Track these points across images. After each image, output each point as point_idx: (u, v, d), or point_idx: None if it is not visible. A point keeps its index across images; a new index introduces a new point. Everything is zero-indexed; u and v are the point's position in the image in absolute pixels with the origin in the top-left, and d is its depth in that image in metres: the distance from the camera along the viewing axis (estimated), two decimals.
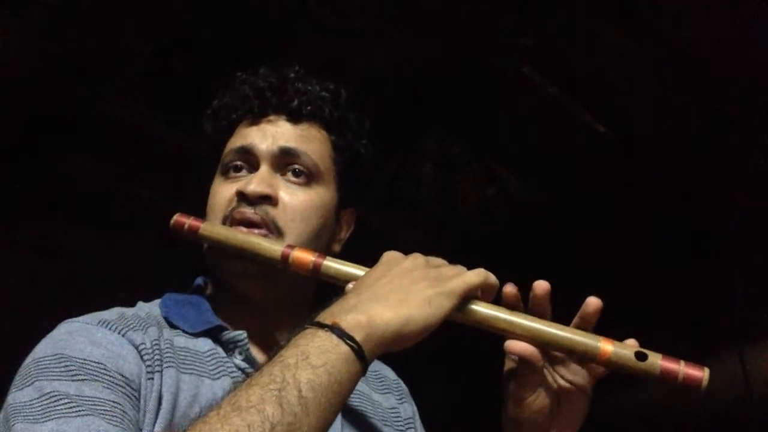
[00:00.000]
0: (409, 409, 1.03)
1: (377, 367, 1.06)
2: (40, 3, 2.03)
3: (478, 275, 0.78)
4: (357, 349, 0.67)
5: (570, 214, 2.66)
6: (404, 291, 0.73)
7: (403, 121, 2.44)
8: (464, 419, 2.32)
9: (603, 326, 0.79)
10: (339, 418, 0.89)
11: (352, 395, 0.94)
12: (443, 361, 2.75)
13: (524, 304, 0.83)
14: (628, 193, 2.52)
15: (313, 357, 0.64)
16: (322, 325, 0.68)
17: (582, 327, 0.79)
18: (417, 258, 0.79)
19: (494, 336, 0.79)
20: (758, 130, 2.19)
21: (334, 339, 0.66)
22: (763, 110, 2.12)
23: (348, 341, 0.66)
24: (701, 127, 2.25)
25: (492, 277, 0.79)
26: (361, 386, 0.98)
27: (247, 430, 0.58)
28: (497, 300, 0.81)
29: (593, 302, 0.78)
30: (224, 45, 2.14)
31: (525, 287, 0.86)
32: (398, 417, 0.99)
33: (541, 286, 0.79)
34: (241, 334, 0.87)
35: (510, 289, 0.79)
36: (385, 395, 1.01)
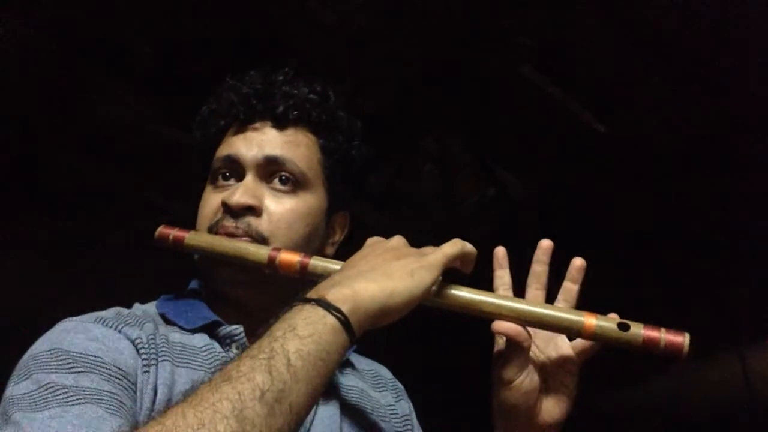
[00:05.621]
0: (405, 406, 1.04)
1: (373, 366, 1.07)
2: (40, 3, 2.03)
3: (454, 245, 0.80)
4: (344, 320, 0.67)
5: (569, 214, 2.66)
6: (387, 266, 0.74)
7: (403, 121, 2.44)
8: (459, 419, 2.33)
9: None
10: (338, 413, 0.90)
11: (350, 391, 0.95)
12: (437, 363, 2.75)
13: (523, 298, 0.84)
14: (628, 193, 2.53)
15: (300, 328, 0.65)
16: (308, 300, 0.69)
17: (571, 285, 0.85)
18: (399, 239, 0.82)
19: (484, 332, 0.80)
20: (759, 130, 2.19)
21: (320, 311, 0.67)
22: (764, 110, 2.12)
23: (334, 312, 0.67)
24: (701, 127, 2.25)
25: (468, 246, 0.81)
26: (358, 383, 0.99)
27: (238, 397, 0.58)
28: (483, 282, 0.82)
29: (578, 260, 0.87)
30: (224, 45, 2.14)
31: (524, 287, 0.87)
32: (395, 414, 1.00)
33: (546, 241, 0.87)
34: (238, 328, 0.88)
35: (500, 248, 0.87)
36: (382, 393, 1.02)
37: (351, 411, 0.93)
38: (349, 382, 0.97)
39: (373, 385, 1.02)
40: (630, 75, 2.19)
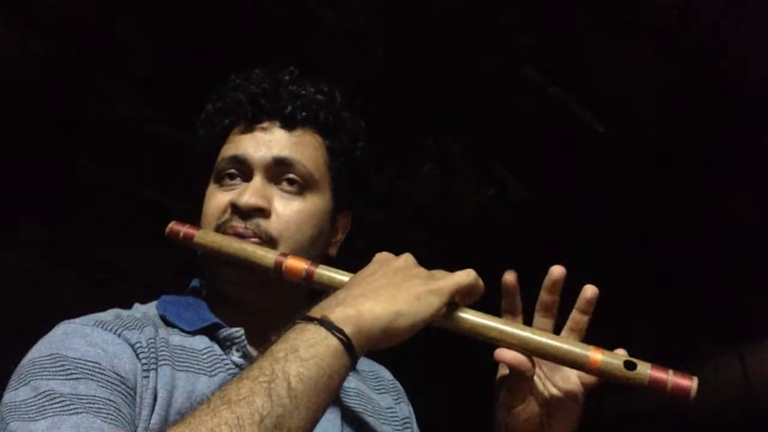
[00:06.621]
0: (405, 409, 1.03)
1: (374, 367, 1.06)
2: (40, 3, 2.03)
3: (468, 275, 0.78)
4: (346, 342, 0.67)
5: (570, 214, 2.66)
6: (394, 287, 0.73)
7: (403, 121, 2.44)
8: (458, 424, 2.33)
9: (603, 326, 0.80)
10: (339, 416, 0.90)
11: (350, 394, 0.95)
12: (438, 365, 2.75)
13: (521, 304, 0.84)
14: (627, 193, 2.53)
15: (302, 350, 0.64)
16: (311, 319, 0.68)
17: (580, 316, 0.81)
18: (408, 258, 0.80)
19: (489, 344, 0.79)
20: (758, 130, 2.19)
21: (323, 332, 0.66)
22: (764, 110, 2.12)
23: (337, 334, 0.67)
24: (702, 127, 2.25)
25: (480, 281, 0.79)
26: (359, 385, 0.98)
27: (237, 422, 0.58)
28: (489, 307, 0.81)
29: (590, 289, 0.80)
30: (224, 45, 2.14)
31: (524, 287, 0.86)
32: (395, 416, 1.00)
33: (557, 270, 0.81)
34: (238, 330, 0.87)
35: (509, 276, 0.81)
36: (382, 395, 1.02)
37: (351, 414, 0.93)
38: (349, 384, 0.97)
39: (374, 387, 1.02)
40: (630, 75, 2.19)
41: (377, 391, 1.01)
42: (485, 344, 0.80)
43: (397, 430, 0.98)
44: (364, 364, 1.05)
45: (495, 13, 2.10)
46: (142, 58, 2.21)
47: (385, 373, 1.07)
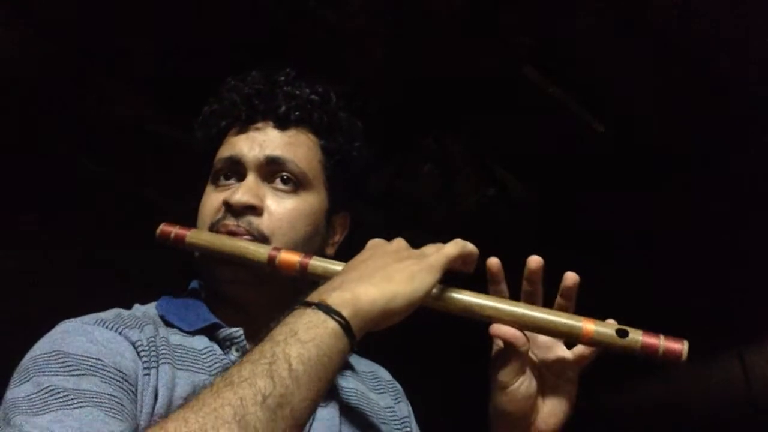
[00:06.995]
0: (404, 408, 1.04)
1: (372, 368, 1.07)
2: (40, 3, 2.03)
3: (455, 246, 0.80)
4: (344, 324, 0.68)
5: (570, 214, 2.66)
6: (388, 269, 0.75)
7: (403, 121, 2.44)
8: (457, 422, 2.33)
9: None
10: (337, 416, 0.90)
11: (349, 393, 0.96)
12: (437, 364, 2.75)
13: (518, 299, 0.84)
14: (627, 193, 2.53)
15: (301, 332, 0.66)
16: (309, 304, 0.69)
17: (564, 302, 0.82)
18: (400, 241, 0.82)
19: (485, 336, 0.80)
20: (758, 130, 2.19)
21: (321, 315, 0.68)
22: (764, 110, 2.12)
23: (335, 317, 0.68)
24: (701, 127, 2.25)
25: (470, 246, 0.81)
26: (357, 385, 0.99)
27: (240, 402, 0.59)
28: (482, 282, 0.81)
29: (570, 276, 0.81)
30: (224, 45, 2.14)
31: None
32: (394, 416, 1.00)
33: (534, 260, 0.81)
34: (237, 330, 0.88)
35: (493, 261, 0.83)
36: (381, 395, 1.02)
37: (350, 413, 0.93)
38: (348, 384, 0.97)
39: (373, 387, 1.02)
40: (630, 75, 2.19)
41: (376, 391, 1.02)
42: (484, 343, 0.80)
43: (396, 429, 0.98)
44: (363, 364, 1.06)
45: (495, 13, 2.10)
46: (142, 58, 2.21)
47: (384, 374, 1.08)
